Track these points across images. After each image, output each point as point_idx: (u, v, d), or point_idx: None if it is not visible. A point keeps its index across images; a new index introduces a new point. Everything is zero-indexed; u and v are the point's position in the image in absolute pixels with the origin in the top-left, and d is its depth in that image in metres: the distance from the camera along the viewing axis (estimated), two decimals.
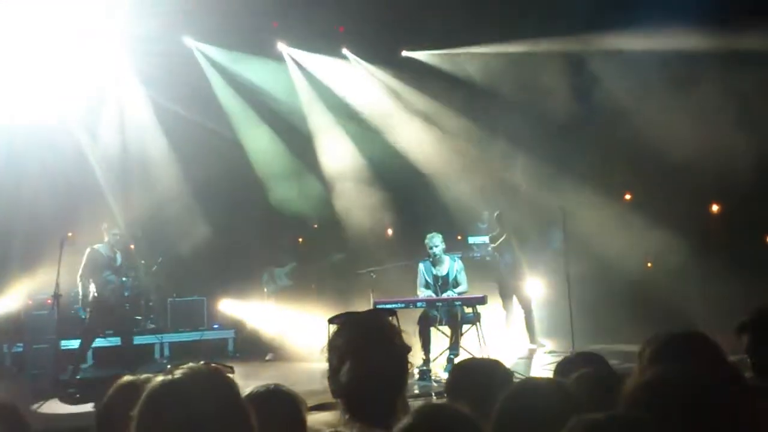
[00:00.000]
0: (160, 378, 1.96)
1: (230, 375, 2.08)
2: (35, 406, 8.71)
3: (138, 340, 12.49)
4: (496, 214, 12.16)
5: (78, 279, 10.89)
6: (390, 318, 2.71)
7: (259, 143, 14.66)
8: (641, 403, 2.02)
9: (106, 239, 11.00)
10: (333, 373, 2.56)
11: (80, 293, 10.83)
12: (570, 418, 1.82)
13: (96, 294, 10.66)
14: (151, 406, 1.90)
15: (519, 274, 11.84)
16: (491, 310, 11.28)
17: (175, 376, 1.94)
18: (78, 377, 10.66)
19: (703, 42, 11.27)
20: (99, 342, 12.27)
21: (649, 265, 13.94)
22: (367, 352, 2.52)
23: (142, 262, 13.29)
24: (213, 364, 2.10)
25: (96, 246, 10.94)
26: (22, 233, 12.31)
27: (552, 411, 2.23)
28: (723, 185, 12.96)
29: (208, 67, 14.15)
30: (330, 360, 2.59)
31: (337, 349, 2.57)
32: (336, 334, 2.64)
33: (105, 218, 11.92)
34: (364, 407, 2.51)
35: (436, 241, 10.40)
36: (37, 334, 11.41)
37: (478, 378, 3.21)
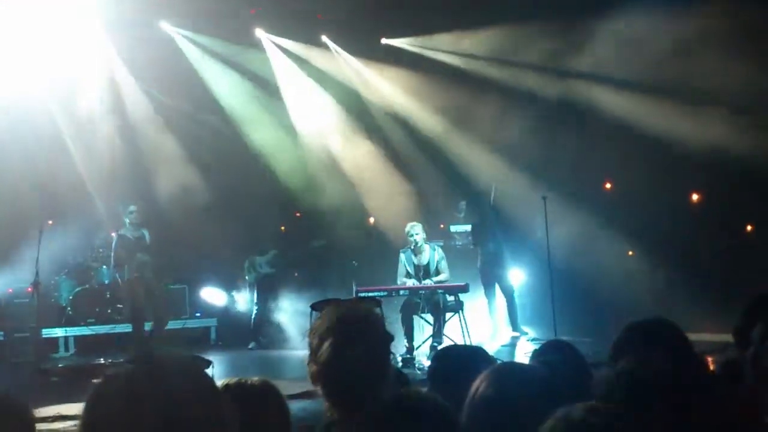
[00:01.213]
0: (139, 364, 1.96)
1: (207, 369, 2.08)
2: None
3: (119, 328, 12.47)
4: (472, 201, 12.19)
5: (111, 269, 10.92)
6: (374, 307, 2.72)
7: (243, 129, 14.60)
8: (614, 393, 2.04)
9: (126, 221, 10.81)
10: (313, 358, 2.55)
11: (119, 282, 10.79)
12: (548, 402, 1.83)
13: (134, 277, 10.58)
14: (131, 391, 1.90)
15: (501, 262, 11.88)
16: (474, 298, 11.31)
17: (156, 363, 1.95)
18: (60, 365, 10.64)
19: (688, 24, 11.30)
20: (81, 330, 12.26)
21: (630, 253, 14.02)
22: (347, 339, 2.51)
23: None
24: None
25: (121, 231, 10.83)
26: (1, 221, 12.20)
27: (529, 394, 2.24)
28: (704, 174, 13.06)
29: (189, 52, 14.07)
30: (311, 345, 2.58)
31: (318, 335, 2.56)
32: (318, 320, 2.63)
33: (86, 206, 11.90)
34: (343, 394, 2.51)
35: (417, 230, 10.42)
36: (17, 322, 11.36)
37: (459, 364, 3.22)
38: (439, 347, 9.80)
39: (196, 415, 1.89)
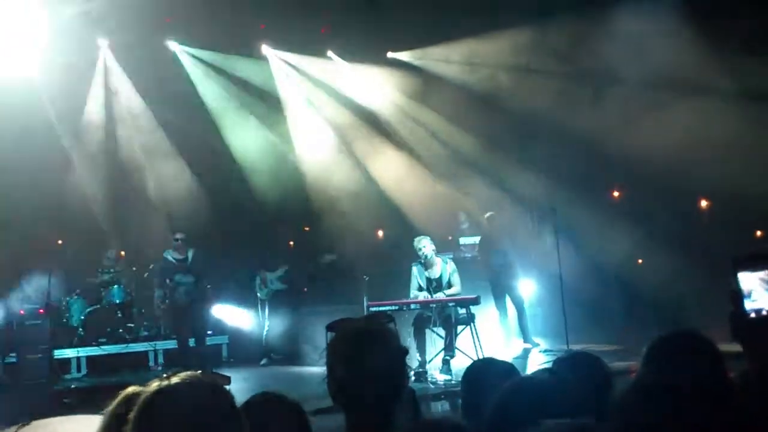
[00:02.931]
0: (156, 384, 1.97)
1: (226, 386, 2.09)
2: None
3: (132, 347, 12.50)
4: (487, 216, 12.19)
5: (154, 288, 11.63)
6: (388, 322, 2.74)
7: (248, 145, 14.65)
8: (630, 408, 2.04)
9: (174, 246, 11.47)
10: (331, 377, 2.58)
11: (155, 300, 11.48)
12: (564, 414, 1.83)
13: (168, 299, 11.21)
14: (147, 412, 1.91)
15: (511, 274, 11.86)
16: (485, 311, 11.29)
17: (172, 383, 1.96)
18: (73, 386, 10.68)
19: (690, 33, 11.33)
20: (93, 350, 12.27)
21: (639, 261, 13.98)
22: (362, 357, 2.53)
23: (134, 269, 13.26)
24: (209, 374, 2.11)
25: (165, 253, 11.50)
26: (12, 243, 12.24)
27: (548, 406, 2.25)
28: (712, 181, 13.02)
29: (194, 70, 14.16)
30: (329, 365, 2.60)
31: (334, 353, 2.59)
32: (333, 339, 2.67)
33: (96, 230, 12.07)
34: (362, 410, 2.52)
35: (424, 243, 10.39)
36: (30, 344, 11.37)
37: (491, 378, 3.24)
38: (452, 361, 9.81)
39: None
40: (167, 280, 11.24)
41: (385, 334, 2.64)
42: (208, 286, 11.56)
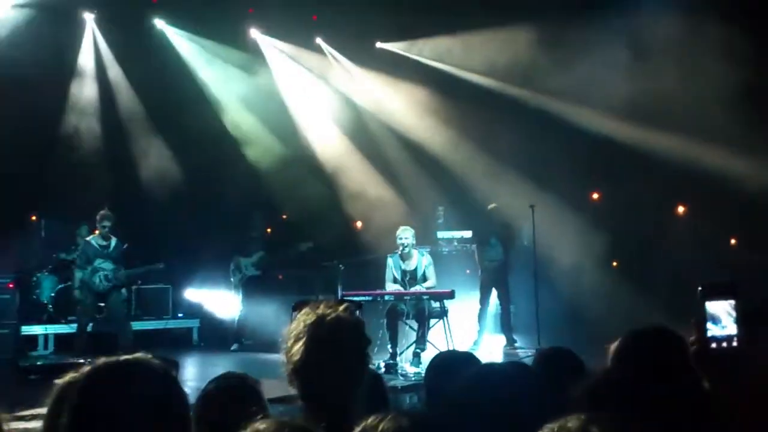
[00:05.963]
0: (100, 362, 1.92)
1: (174, 369, 2.05)
2: None
3: (103, 327, 12.35)
4: (490, 207, 12.08)
5: (75, 270, 11.26)
6: (354, 310, 2.69)
7: (235, 127, 14.56)
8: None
9: (97, 232, 11.24)
10: (288, 358, 2.54)
11: (77, 282, 11.10)
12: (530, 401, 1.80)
13: (87, 282, 10.94)
14: (85, 390, 1.87)
15: (506, 269, 11.80)
16: (459, 304, 11.27)
17: (113, 362, 1.91)
18: (39, 363, 10.57)
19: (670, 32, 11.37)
20: (62, 328, 12.14)
21: (614, 263, 14.04)
22: (320, 341, 2.50)
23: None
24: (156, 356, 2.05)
25: (89, 238, 11.29)
26: None
27: (507, 395, 2.23)
28: (689, 185, 13.09)
29: (183, 50, 14.05)
30: (287, 345, 2.57)
31: (293, 335, 2.55)
32: (296, 320, 2.62)
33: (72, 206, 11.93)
34: (315, 396, 2.50)
35: (407, 234, 10.35)
36: None
37: (453, 370, 3.23)
38: (423, 354, 9.78)
39: (155, 414, 1.86)
40: (88, 264, 11.08)
41: (347, 322, 2.60)
42: (123, 272, 11.38)
